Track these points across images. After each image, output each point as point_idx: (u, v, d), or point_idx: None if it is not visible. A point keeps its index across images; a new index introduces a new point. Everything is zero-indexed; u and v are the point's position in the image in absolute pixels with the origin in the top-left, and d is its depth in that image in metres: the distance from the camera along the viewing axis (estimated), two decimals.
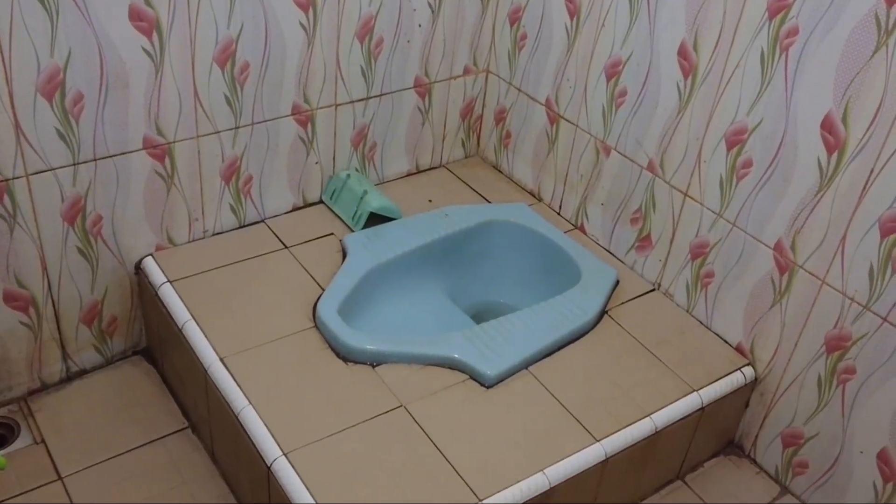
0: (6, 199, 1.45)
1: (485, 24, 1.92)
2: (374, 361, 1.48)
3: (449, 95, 1.97)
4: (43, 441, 1.58)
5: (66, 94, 1.42)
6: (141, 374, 1.74)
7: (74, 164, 1.49)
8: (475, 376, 1.47)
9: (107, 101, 1.47)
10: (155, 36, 1.47)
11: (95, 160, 1.51)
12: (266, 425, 1.35)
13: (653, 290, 1.74)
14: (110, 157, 1.53)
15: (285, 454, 1.31)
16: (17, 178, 1.44)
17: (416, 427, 1.38)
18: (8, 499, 1.46)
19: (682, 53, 1.55)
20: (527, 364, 1.52)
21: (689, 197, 1.62)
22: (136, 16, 1.43)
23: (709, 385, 1.54)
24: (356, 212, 1.79)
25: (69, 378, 1.71)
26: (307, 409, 1.39)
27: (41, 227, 1.51)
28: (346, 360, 1.49)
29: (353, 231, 1.78)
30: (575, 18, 1.73)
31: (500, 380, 1.48)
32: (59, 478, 1.51)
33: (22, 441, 1.58)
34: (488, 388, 1.47)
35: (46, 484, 1.50)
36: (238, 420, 1.38)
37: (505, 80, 1.96)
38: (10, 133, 1.40)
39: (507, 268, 1.85)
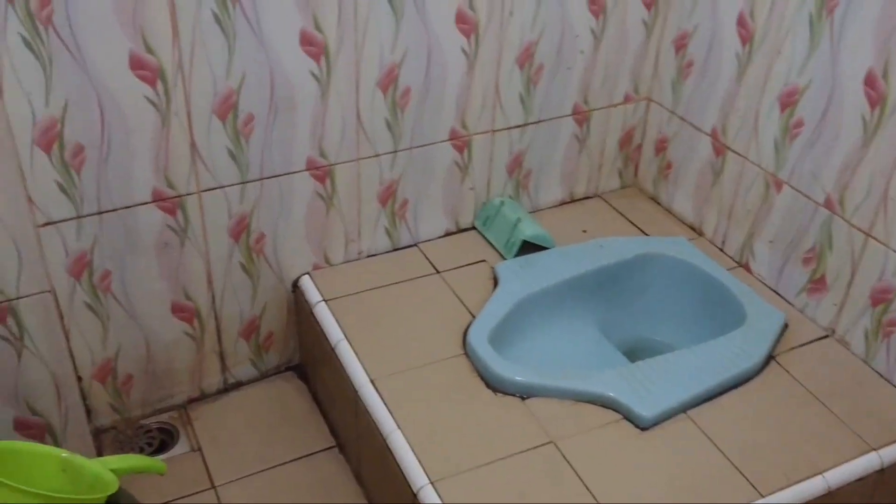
0: (179, 214, 1.52)
1: (648, 51, 1.86)
2: (523, 394, 1.44)
3: (608, 123, 1.91)
4: (199, 449, 1.64)
5: (239, 116, 1.48)
6: (293, 390, 1.78)
7: (242, 183, 1.55)
8: (630, 417, 1.41)
9: (275, 123, 1.52)
10: (323, 60, 1.50)
11: (262, 179, 1.56)
12: (414, 451, 1.33)
13: (826, 336, 1.61)
14: (275, 176, 1.58)
15: (432, 482, 1.28)
16: (190, 194, 1.51)
17: (565, 465, 1.33)
18: (166, 502, 1.52)
19: (869, 82, 1.43)
20: (685, 407, 1.43)
21: (872, 237, 1.49)
22: (306, 41, 1.47)
23: (890, 445, 1.40)
24: (509, 239, 1.76)
25: (226, 389, 1.77)
26: (455, 437, 1.37)
27: (209, 243, 1.58)
28: (495, 390, 1.45)
29: (505, 259, 1.76)
30: (748, 45, 1.64)
31: (657, 422, 1.40)
32: (213, 486, 1.56)
33: (180, 447, 1.64)
34: (643, 430, 1.39)
35: (201, 491, 1.55)
36: (386, 444, 1.37)
37: (667, 109, 1.89)
38: (186, 151, 1.46)
39: (663, 304, 1.77)
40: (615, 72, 1.84)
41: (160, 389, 1.69)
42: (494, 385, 1.46)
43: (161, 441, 1.67)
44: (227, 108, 1.46)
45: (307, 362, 1.78)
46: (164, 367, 1.67)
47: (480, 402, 1.43)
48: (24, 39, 1.24)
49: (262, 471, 1.59)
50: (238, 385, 1.78)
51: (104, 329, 1.56)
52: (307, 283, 1.69)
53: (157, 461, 1.24)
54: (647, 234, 1.87)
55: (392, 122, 1.64)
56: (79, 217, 1.43)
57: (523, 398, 1.44)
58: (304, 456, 1.63)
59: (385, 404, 1.42)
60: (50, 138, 1.34)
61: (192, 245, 1.56)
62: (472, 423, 1.39)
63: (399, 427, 1.38)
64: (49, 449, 1.16)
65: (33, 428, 1.39)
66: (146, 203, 1.48)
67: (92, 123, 1.36)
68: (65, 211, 1.41)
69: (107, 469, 1.15)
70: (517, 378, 1.45)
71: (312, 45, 1.48)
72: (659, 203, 1.98)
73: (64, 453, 1.16)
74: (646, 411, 1.39)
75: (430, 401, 1.43)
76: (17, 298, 1.27)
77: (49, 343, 1.33)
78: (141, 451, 1.64)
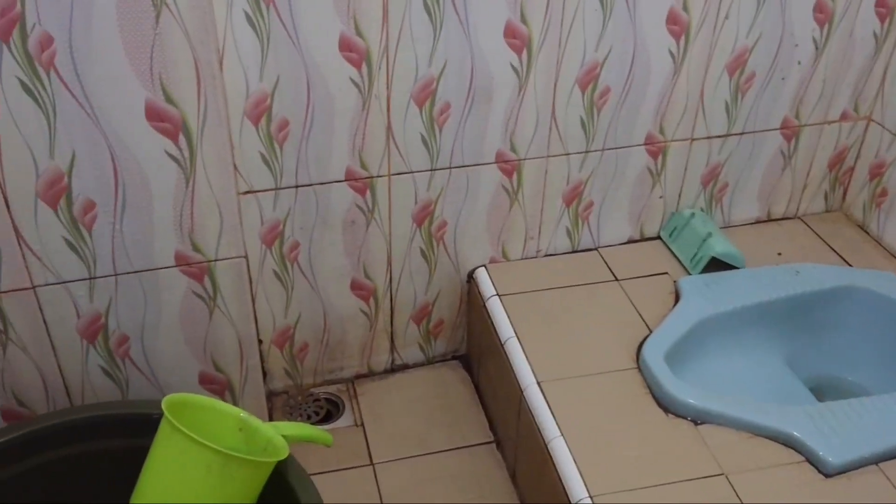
0: (368, 194, 1.55)
1: (875, 67, 1.70)
2: (697, 418, 1.37)
3: (819, 141, 1.77)
4: (362, 424, 1.68)
5: (436, 104, 1.49)
6: (456, 380, 1.78)
7: (431, 170, 1.56)
8: (813, 460, 1.30)
9: (470, 114, 1.52)
10: (524, 53, 1.48)
11: (450, 168, 1.57)
12: (575, 462, 1.29)
13: None
14: (464, 167, 1.57)
15: (591, 497, 1.24)
16: (381, 176, 1.54)
17: (736, 501, 1.25)
18: (325, 471, 1.56)
19: None
20: (878, 459, 1.30)
21: None
22: (510, 33, 1.46)
23: None
24: (696, 254, 1.68)
25: (393, 370, 1.80)
26: (619, 454, 1.32)
27: (393, 225, 1.60)
28: (666, 410, 1.39)
29: (689, 273, 1.67)
30: None
31: (844, 470, 1.29)
32: (371, 463, 1.59)
33: (344, 420, 1.69)
34: (827, 476, 1.28)
35: (359, 467, 1.58)
36: (547, 450, 1.34)
37: (889, 132, 1.73)
38: (382, 135, 1.49)
39: (861, 342, 1.62)
40: (834, 86, 1.70)
41: (331, 361, 1.75)
42: (666, 405, 1.39)
43: (327, 411, 1.72)
44: (425, 95, 1.47)
45: (473, 354, 1.78)
46: (337, 340, 1.72)
47: (649, 421, 1.37)
48: (247, 17, 1.30)
49: (419, 455, 1.61)
50: (404, 367, 1.81)
51: (287, 298, 1.62)
52: (482, 276, 1.68)
53: (326, 433, 1.27)
54: (850, 265, 1.72)
55: (587, 121, 1.59)
56: (277, 189, 1.49)
57: (696, 423, 1.36)
58: (462, 447, 1.63)
59: (550, 408, 1.39)
60: (260, 111, 1.40)
61: (377, 226, 1.60)
62: (639, 441, 1.34)
63: (562, 434, 1.34)
64: (230, 407, 1.22)
65: (215, 384, 1.48)
66: (339, 181, 1.52)
67: (299, 100, 1.41)
68: (265, 181, 1.47)
69: (279, 434, 1.20)
70: (692, 401, 1.37)
71: (516, 37, 1.46)
72: (867, 232, 1.82)
73: (242, 413, 1.21)
74: (833, 457, 1.28)
75: (597, 412, 1.39)
76: (215, 260, 1.34)
77: (238, 305, 1.40)
78: (308, 418, 1.70)
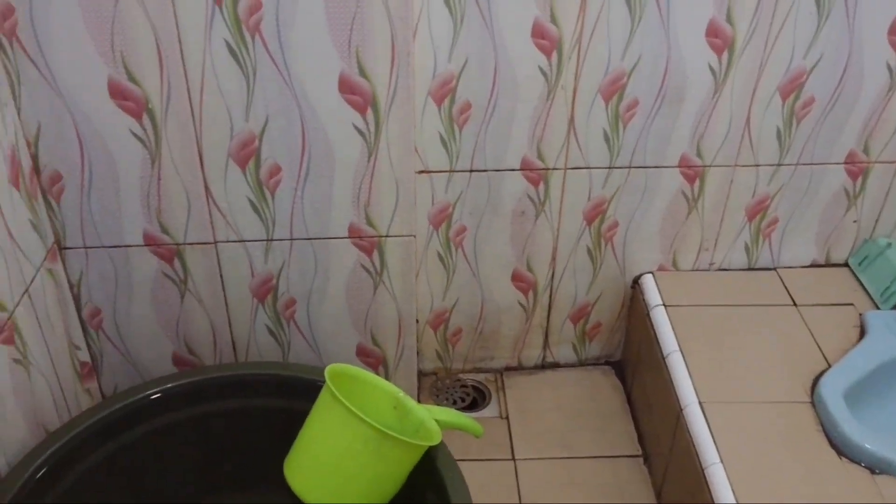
0: (542, 186, 1.51)
1: None
2: (874, 467, 1.25)
3: None
4: (507, 417, 1.65)
5: (624, 99, 1.43)
6: (607, 386, 1.73)
7: (609, 168, 1.51)
8: None
9: (658, 113, 1.45)
10: (725, 55, 1.40)
11: (629, 167, 1.51)
12: (734, 492, 1.22)
13: None
14: (644, 167, 1.51)
15: None
16: (557, 169, 1.50)
17: None
18: (466, 459, 1.55)
19: None
20: None
21: None
22: (713, 32, 1.38)
23: None
24: (889, 287, 1.54)
25: (543, 366, 1.76)
26: (782, 492, 1.22)
27: (562, 220, 1.56)
28: (840, 453, 1.28)
29: (879, 308, 1.54)
30: None
31: None
32: (513, 458, 1.57)
33: (490, 410, 1.67)
34: None
35: (501, 460, 1.56)
36: (703, 475, 1.27)
37: None
38: (563, 127, 1.45)
39: None
40: None
41: (483, 350, 1.73)
42: (841, 447, 1.28)
43: (473, 399, 1.71)
44: (614, 89, 1.42)
45: (628, 362, 1.72)
46: (491, 329, 1.70)
47: (819, 462, 1.27)
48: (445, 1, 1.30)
49: (563, 458, 1.57)
50: (555, 365, 1.77)
51: (447, 281, 1.62)
52: (649, 283, 1.62)
53: (477, 424, 1.25)
54: None
55: (783, 131, 1.49)
56: (451, 171, 1.48)
57: (873, 472, 1.25)
58: (607, 456, 1.58)
59: (710, 432, 1.31)
60: (444, 92, 1.39)
61: (546, 219, 1.56)
62: (806, 481, 1.24)
63: (721, 461, 1.26)
64: (388, 385, 1.22)
65: (371, 357, 1.49)
66: (514, 170, 1.49)
67: (484, 85, 1.39)
68: (441, 163, 1.47)
69: (432, 419, 1.19)
70: (871, 446, 1.26)
71: (718, 37, 1.38)
72: None
73: (400, 393, 1.22)
74: None
75: (761, 443, 1.30)
76: (386, 236, 1.35)
77: (402, 283, 1.40)
78: (454, 403, 1.69)
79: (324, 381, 1.12)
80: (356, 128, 1.25)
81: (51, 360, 1.26)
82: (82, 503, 1.18)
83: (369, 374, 1.22)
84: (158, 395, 1.24)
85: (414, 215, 1.34)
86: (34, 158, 1.22)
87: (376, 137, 1.26)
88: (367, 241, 1.36)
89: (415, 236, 1.37)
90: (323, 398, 1.14)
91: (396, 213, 1.33)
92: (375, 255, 1.38)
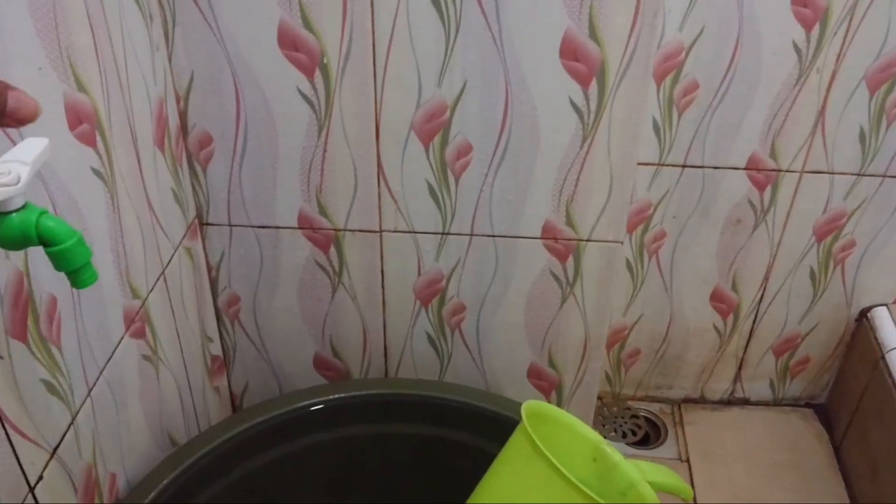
0: (768, 191, 1.24)
1: None
2: None
3: None
4: (688, 460, 1.39)
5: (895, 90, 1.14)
6: (809, 434, 1.44)
7: (858, 175, 1.22)
8: None
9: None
10: None
11: (884, 176, 1.22)
12: None
13: None
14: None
15: None
16: (791, 171, 1.22)
17: None
18: None
19: None
20: None
21: None
22: None
23: None
24: None
25: (730, 402, 1.49)
26: None
27: (786, 234, 1.29)
28: None
29: None
30: None
31: None
32: None
33: (667, 450, 1.41)
34: None
35: None
36: None
37: None
38: (809, 121, 1.17)
39: None
40: None
41: (661, 377, 1.47)
42: None
43: (645, 433, 1.45)
44: (885, 77, 1.13)
45: (838, 407, 1.43)
46: (675, 354, 1.44)
47: None
48: None
49: None
50: (744, 402, 1.49)
51: (633, 293, 1.36)
52: (883, 318, 1.32)
53: (688, 487, 0.99)
54: None
55: None
56: (659, 164, 1.23)
57: None
58: None
59: None
60: (668, 67, 1.13)
61: (766, 231, 1.28)
62: None
63: None
64: (589, 431, 0.97)
65: (544, 380, 1.25)
66: (737, 168, 1.22)
67: (719, 61, 1.12)
68: (648, 154, 1.22)
69: (644, 480, 0.94)
70: None
71: None
72: None
73: (603, 442, 0.97)
74: None
75: None
76: (587, 240, 1.10)
77: (597, 298, 1.15)
78: (623, 436, 1.44)
79: (517, 419, 0.89)
80: (573, 103, 0.99)
81: (181, 354, 1.06)
82: None
83: (569, 417, 0.97)
84: (321, 406, 1.02)
85: (624, 218, 1.08)
86: (182, 116, 1.01)
87: (597, 117, 1.00)
88: (562, 245, 1.11)
89: (622, 243, 1.11)
90: (518, 443, 0.90)
91: (604, 214, 1.08)
92: (570, 261, 1.12)
